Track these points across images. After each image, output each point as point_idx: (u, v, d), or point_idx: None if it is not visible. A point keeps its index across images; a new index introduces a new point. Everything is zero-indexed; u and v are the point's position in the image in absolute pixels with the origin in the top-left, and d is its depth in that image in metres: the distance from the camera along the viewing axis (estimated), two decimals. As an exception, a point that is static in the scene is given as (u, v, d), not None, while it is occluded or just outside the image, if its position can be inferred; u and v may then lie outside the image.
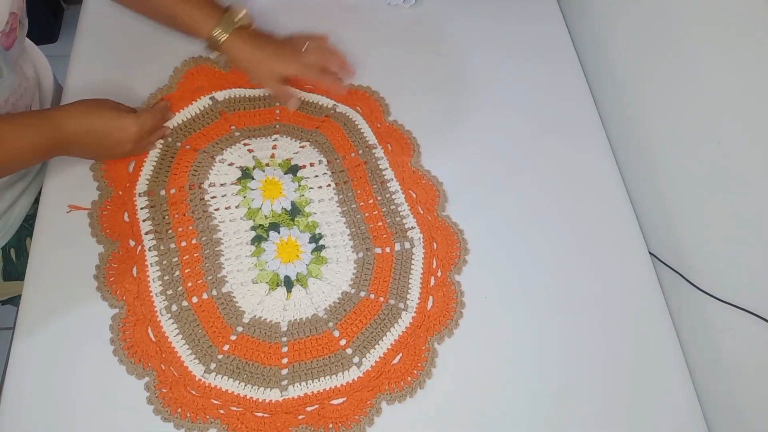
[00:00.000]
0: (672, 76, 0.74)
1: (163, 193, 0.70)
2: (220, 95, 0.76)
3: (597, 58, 0.90)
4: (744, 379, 0.67)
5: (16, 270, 0.78)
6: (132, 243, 0.67)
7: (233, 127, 0.75)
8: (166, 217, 0.68)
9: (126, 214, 0.68)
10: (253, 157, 0.74)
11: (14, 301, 0.84)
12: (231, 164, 0.73)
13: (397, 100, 0.81)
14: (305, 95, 0.79)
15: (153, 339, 0.63)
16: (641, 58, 0.81)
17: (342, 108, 0.79)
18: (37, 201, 0.78)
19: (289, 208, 0.72)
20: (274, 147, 0.75)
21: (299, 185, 0.73)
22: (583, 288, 0.73)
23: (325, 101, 0.79)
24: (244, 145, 0.74)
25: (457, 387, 0.66)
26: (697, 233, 0.73)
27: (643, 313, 0.73)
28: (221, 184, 0.72)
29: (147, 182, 0.70)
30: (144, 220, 0.68)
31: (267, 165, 0.74)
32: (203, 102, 0.75)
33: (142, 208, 0.69)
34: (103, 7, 0.83)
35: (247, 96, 0.77)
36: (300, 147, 0.75)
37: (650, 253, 0.77)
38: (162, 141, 0.73)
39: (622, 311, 0.72)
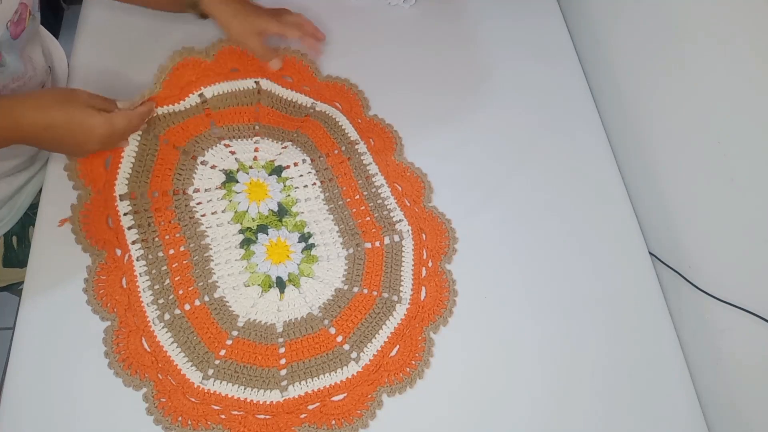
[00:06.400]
0: (672, 75, 0.74)
1: (145, 196, 0.69)
2: (209, 92, 0.75)
3: (597, 58, 0.90)
4: (744, 379, 0.67)
5: (16, 257, 0.79)
6: (119, 252, 0.66)
7: (212, 123, 0.74)
8: (152, 224, 0.68)
9: (110, 220, 0.67)
10: (236, 159, 0.73)
11: (12, 288, 0.84)
12: (214, 167, 0.72)
13: (398, 99, 0.81)
14: (284, 93, 0.78)
15: (148, 349, 0.62)
16: (641, 58, 0.81)
17: (321, 106, 0.78)
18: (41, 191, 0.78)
19: (276, 209, 0.72)
20: (255, 150, 0.74)
21: (284, 186, 0.73)
22: (583, 287, 0.73)
23: (304, 100, 0.78)
24: (225, 146, 0.74)
25: (455, 375, 0.66)
26: (697, 233, 0.73)
27: (643, 313, 0.73)
28: (206, 190, 0.71)
29: (126, 182, 0.69)
30: (129, 228, 0.67)
31: (251, 167, 0.73)
32: (192, 100, 0.74)
33: (125, 214, 0.67)
34: (103, 7, 0.83)
35: (232, 90, 0.76)
36: (282, 148, 0.75)
37: (650, 253, 0.77)
38: (139, 133, 0.70)
39: (622, 311, 0.72)
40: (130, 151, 0.70)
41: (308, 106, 0.78)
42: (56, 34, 0.84)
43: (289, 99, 0.78)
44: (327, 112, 0.78)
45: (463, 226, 0.74)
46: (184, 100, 0.73)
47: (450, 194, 0.76)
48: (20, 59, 0.67)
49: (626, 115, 0.84)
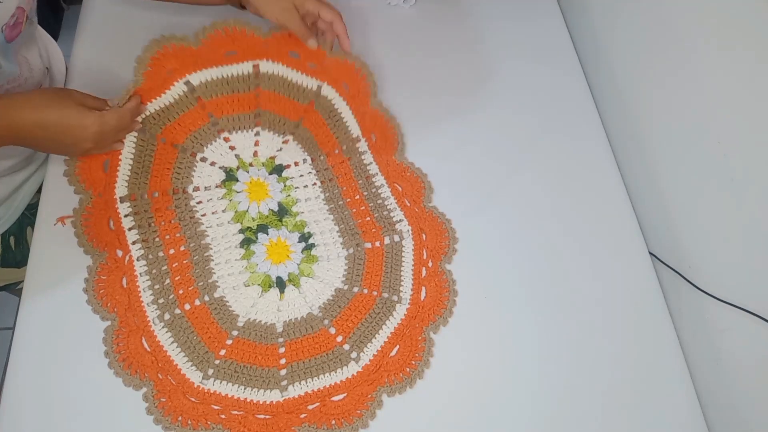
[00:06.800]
0: (672, 75, 0.74)
1: (145, 197, 0.69)
2: (196, 78, 0.71)
3: (597, 58, 0.90)
4: (744, 379, 0.67)
5: (13, 257, 0.79)
6: (120, 253, 0.66)
7: (210, 115, 0.73)
8: (152, 224, 0.68)
9: (111, 222, 0.67)
10: (236, 156, 0.73)
11: (9, 288, 0.84)
12: (213, 164, 0.72)
13: (398, 99, 0.81)
14: (288, 74, 0.75)
15: (148, 349, 0.62)
16: (641, 58, 0.81)
17: (327, 90, 0.75)
18: (41, 190, 0.78)
19: (276, 209, 0.72)
20: (256, 144, 0.74)
21: (285, 185, 0.73)
22: (583, 287, 0.73)
23: (310, 82, 0.75)
24: (225, 140, 0.73)
25: (455, 375, 0.66)
26: (697, 233, 0.73)
27: (643, 313, 0.73)
28: (206, 188, 0.71)
29: (126, 184, 0.69)
30: (129, 229, 0.67)
31: (251, 165, 0.73)
32: (178, 89, 0.71)
33: (126, 216, 0.67)
34: (103, 6, 0.83)
35: (224, 76, 0.73)
36: (282, 143, 0.74)
37: (650, 253, 0.77)
38: (135, 134, 0.69)
39: (622, 311, 0.72)
40: (127, 152, 0.69)
41: (313, 89, 0.75)
42: (56, 35, 0.84)
43: (293, 81, 0.75)
44: (331, 101, 0.75)
45: (463, 226, 0.74)
46: (170, 90, 0.71)
47: (450, 194, 0.76)
48: (15, 61, 0.68)
49: (626, 116, 0.84)
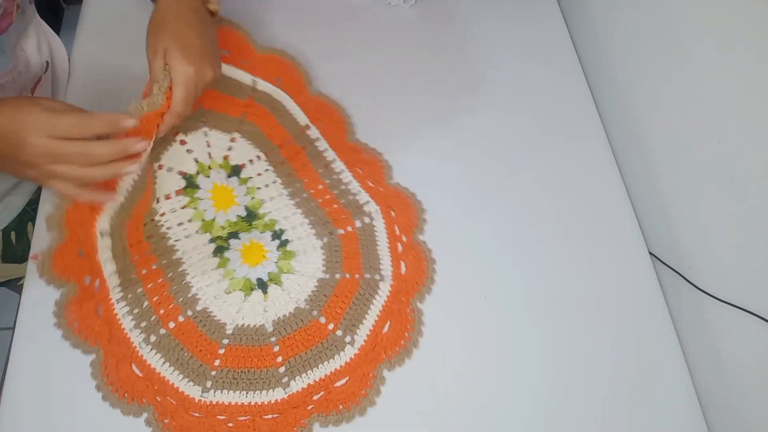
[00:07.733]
0: (672, 76, 0.74)
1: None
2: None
3: (597, 58, 0.90)
4: (744, 379, 0.67)
5: (14, 253, 0.79)
6: (87, 280, 0.63)
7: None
8: (125, 249, 0.64)
9: (81, 251, 0.61)
10: (195, 159, 0.71)
11: (10, 284, 0.84)
12: (170, 170, 0.70)
13: (397, 99, 0.82)
14: (225, 70, 0.69)
15: (140, 374, 0.61)
16: (641, 58, 0.81)
17: (262, 84, 0.74)
18: (40, 186, 0.78)
19: (244, 214, 0.71)
20: (207, 144, 0.72)
21: (248, 188, 0.72)
22: (583, 287, 0.73)
23: (244, 77, 0.73)
24: (182, 143, 0.71)
25: (447, 340, 0.67)
26: (697, 233, 0.73)
27: (643, 313, 0.73)
28: (166, 196, 0.69)
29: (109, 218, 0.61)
30: (105, 262, 0.61)
31: (210, 168, 0.71)
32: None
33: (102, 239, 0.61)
34: (103, 6, 0.83)
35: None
36: (230, 141, 0.73)
37: (650, 253, 0.77)
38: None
39: (622, 311, 0.72)
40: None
41: (249, 84, 0.74)
42: (56, 34, 0.84)
43: (229, 77, 0.72)
44: (271, 94, 0.75)
45: (463, 226, 0.74)
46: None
47: (450, 194, 0.76)
48: (10, 55, 0.67)
49: (626, 116, 0.84)
